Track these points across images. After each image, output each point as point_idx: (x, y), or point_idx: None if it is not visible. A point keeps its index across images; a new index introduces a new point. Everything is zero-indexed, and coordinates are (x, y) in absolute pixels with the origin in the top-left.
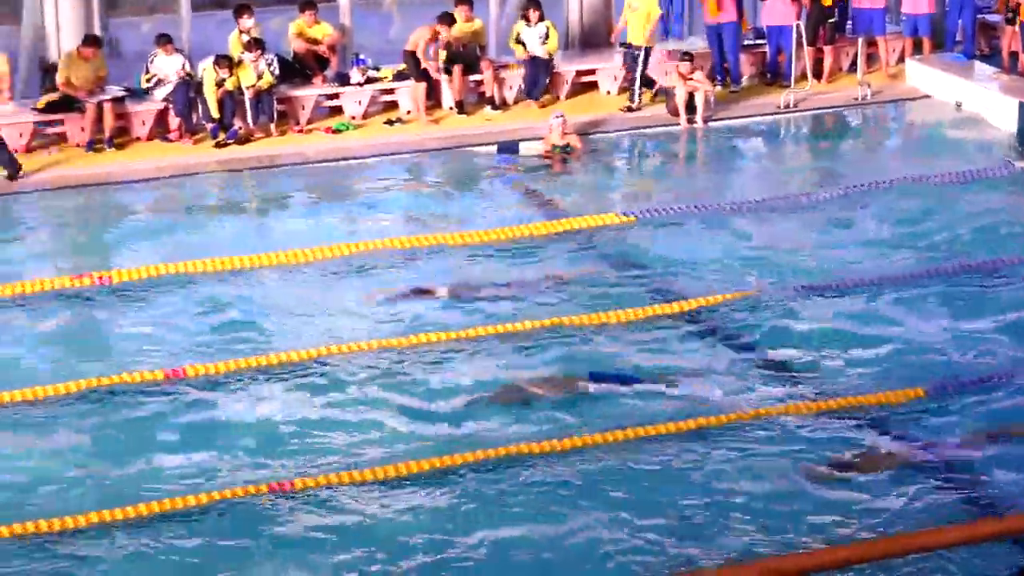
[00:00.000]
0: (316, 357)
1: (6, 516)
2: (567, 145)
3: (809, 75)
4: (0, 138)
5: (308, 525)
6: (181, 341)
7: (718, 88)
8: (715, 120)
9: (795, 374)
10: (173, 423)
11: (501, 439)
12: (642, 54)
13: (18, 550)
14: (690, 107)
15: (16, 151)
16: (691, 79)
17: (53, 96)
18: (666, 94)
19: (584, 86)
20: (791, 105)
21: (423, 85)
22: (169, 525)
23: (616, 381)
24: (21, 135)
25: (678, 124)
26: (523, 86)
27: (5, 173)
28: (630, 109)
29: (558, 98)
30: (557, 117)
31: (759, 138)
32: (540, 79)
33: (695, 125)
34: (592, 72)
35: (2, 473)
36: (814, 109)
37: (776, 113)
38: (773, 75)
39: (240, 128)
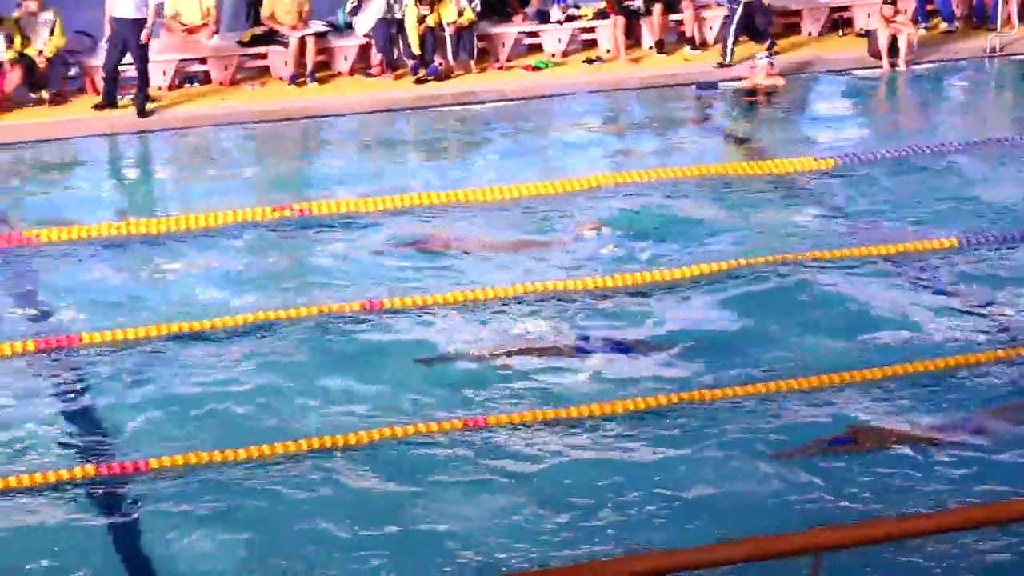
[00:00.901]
0: (513, 295)
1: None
2: (771, 86)
3: (1015, 19)
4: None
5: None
6: (378, 274)
7: (921, 31)
8: (918, 63)
9: (996, 321)
10: (368, 353)
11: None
12: (740, 8)
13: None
14: (892, 50)
15: (221, 83)
16: (894, 22)
17: (258, 30)
18: (868, 36)
19: (787, 27)
20: (997, 50)
21: (623, 24)
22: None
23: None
24: (226, 68)
25: (880, 67)
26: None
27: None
28: (721, 65)
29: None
30: (763, 57)
31: (962, 82)
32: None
33: (897, 68)
34: (798, 13)
35: (227, 396)
36: (1021, 54)
37: (981, 57)
38: (979, 18)
39: (440, 65)
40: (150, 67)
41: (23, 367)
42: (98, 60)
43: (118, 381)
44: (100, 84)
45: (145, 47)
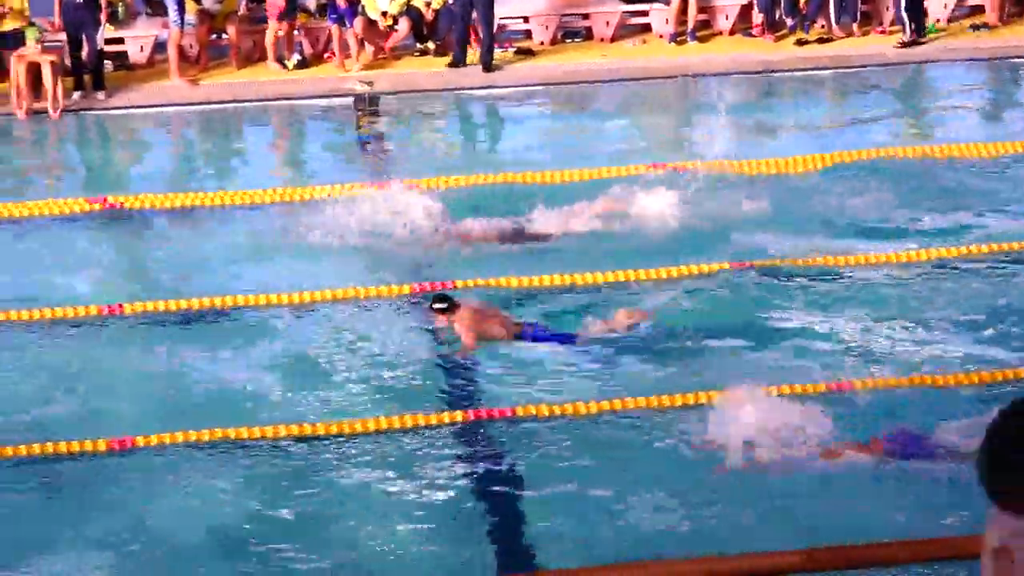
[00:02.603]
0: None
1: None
2: None
3: None
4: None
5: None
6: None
7: None
8: None
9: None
10: None
11: None
12: None
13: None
14: None
15: (603, 40)
16: None
17: None
18: None
19: None
20: None
21: None
22: None
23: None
24: (607, 24)
25: None
26: None
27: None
28: (904, 45)
29: None
30: None
31: None
32: None
33: None
34: None
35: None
36: None
37: None
38: None
39: (823, 27)
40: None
41: None
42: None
43: None
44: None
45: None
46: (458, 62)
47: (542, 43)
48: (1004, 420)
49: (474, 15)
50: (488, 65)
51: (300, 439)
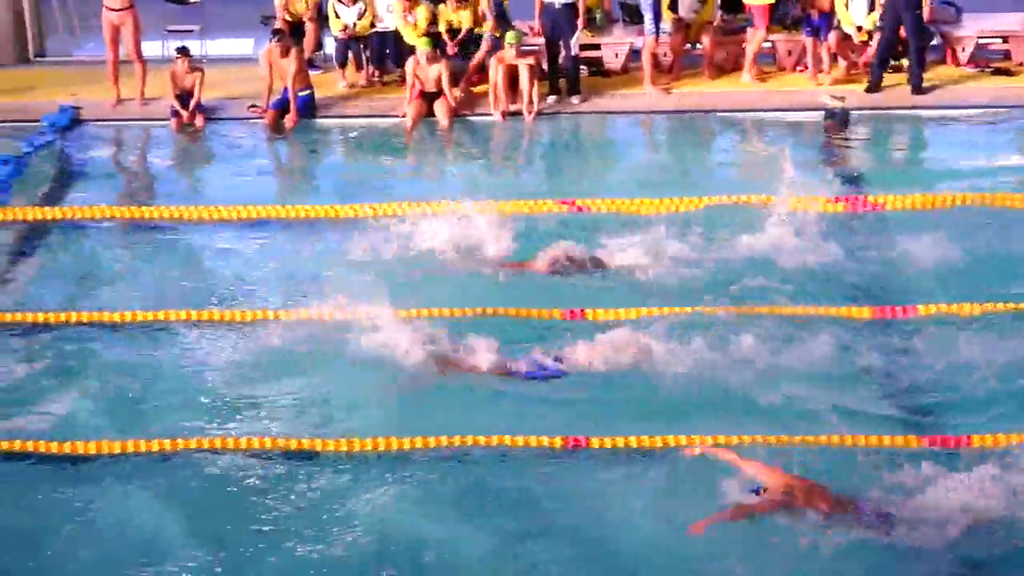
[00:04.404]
0: None
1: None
2: None
3: None
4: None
5: None
6: None
7: None
8: None
9: None
10: None
11: None
12: None
13: None
14: None
15: None
16: None
17: None
18: None
19: None
20: None
21: None
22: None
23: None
24: None
25: None
26: None
27: None
28: None
29: None
30: None
31: None
32: None
33: None
34: None
35: None
36: None
37: None
38: None
39: None
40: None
41: None
42: (963, 32)
43: None
44: (961, 55)
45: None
46: (875, 84)
47: (1021, 64)
48: None
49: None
50: (918, 87)
51: None
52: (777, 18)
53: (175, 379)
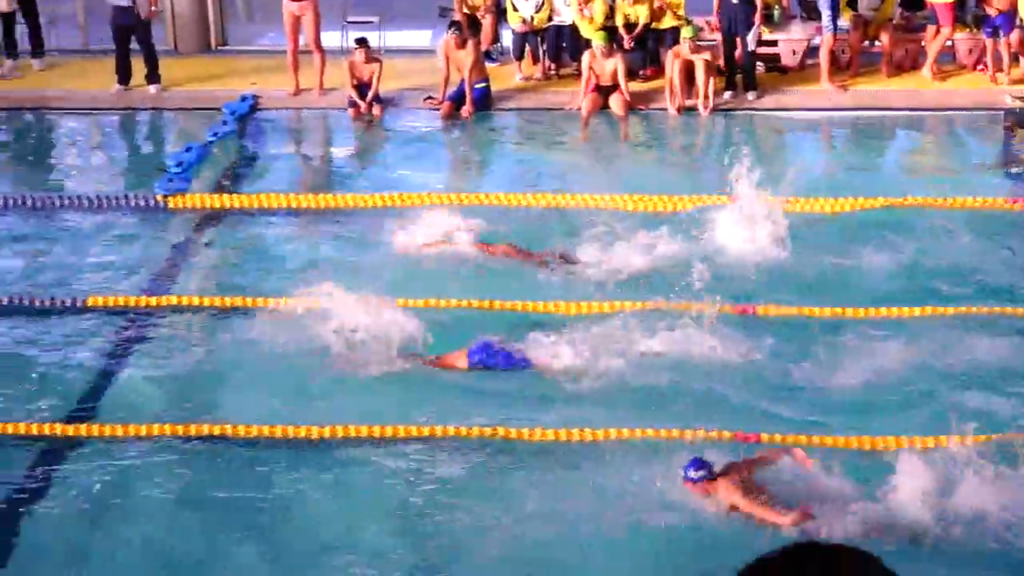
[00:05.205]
0: None
1: None
2: None
3: None
4: None
5: None
6: None
7: None
8: None
9: None
10: None
11: None
12: None
13: None
14: None
15: None
16: None
17: None
18: None
19: None
20: None
21: None
22: None
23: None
24: None
25: None
26: None
27: None
28: None
29: None
30: None
31: None
32: None
33: None
34: None
35: None
36: None
37: None
38: None
39: None
40: None
41: None
42: None
43: None
44: None
45: None
46: None
47: None
48: None
49: None
50: None
51: None
52: (958, 16)
53: None
